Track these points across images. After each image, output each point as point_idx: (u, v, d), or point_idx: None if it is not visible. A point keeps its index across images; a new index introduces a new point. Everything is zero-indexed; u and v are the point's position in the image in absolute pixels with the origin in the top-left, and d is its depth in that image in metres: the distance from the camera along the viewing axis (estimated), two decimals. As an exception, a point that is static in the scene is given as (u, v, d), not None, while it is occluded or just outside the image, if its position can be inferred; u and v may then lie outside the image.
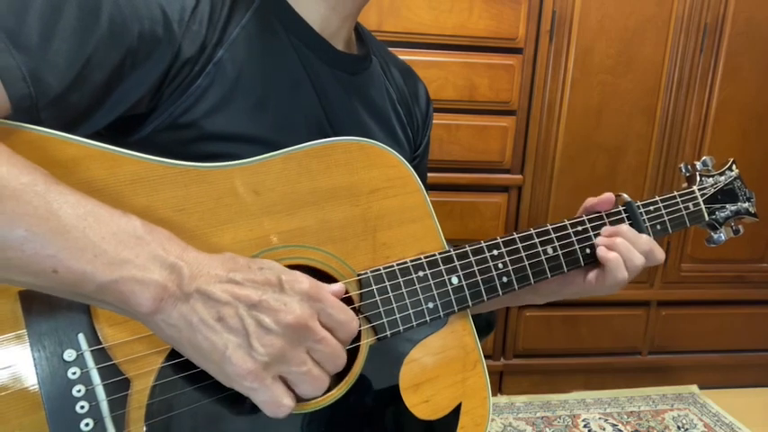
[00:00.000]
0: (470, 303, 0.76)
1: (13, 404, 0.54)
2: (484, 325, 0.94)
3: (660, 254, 0.87)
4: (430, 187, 0.97)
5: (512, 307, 2.22)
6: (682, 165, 1.01)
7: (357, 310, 0.69)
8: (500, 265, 0.79)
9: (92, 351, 0.57)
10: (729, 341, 2.48)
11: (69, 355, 0.56)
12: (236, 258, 0.58)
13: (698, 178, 0.99)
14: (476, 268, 0.77)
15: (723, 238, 1.00)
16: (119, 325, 0.58)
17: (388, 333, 0.71)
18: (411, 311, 0.72)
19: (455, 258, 0.76)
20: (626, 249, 0.84)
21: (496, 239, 0.80)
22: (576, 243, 0.85)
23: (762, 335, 2.50)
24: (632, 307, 2.37)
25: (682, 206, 0.95)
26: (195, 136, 0.69)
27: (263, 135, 0.72)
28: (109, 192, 0.58)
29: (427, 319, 0.73)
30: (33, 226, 0.49)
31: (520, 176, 2.16)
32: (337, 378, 0.68)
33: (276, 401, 0.56)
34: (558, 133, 2.15)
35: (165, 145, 0.67)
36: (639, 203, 0.91)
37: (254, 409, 0.63)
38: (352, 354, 0.69)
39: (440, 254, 0.76)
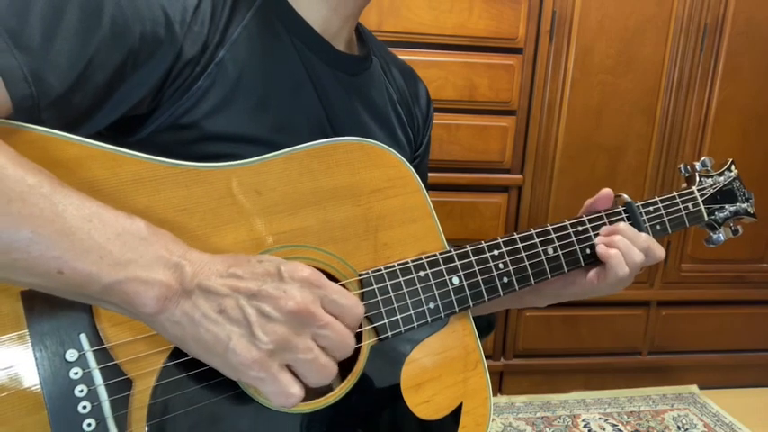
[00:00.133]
0: (471, 303, 0.76)
1: (14, 404, 0.54)
2: (484, 325, 0.94)
3: (660, 251, 0.87)
4: (430, 187, 0.97)
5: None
6: (681, 165, 1.02)
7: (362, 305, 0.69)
8: (501, 266, 0.79)
9: (94, 351, 0.57)
10: (729, 341, 2.48)
11: (71, 355, 0.56)
12: (237, 256, 0.59)
13: (697, 179, 1.00)
14: (477, 268, 0.78)
15: (722, 238, 1.01)
16: (121, 325, 0.58)
17: (390, 333, 0.71)
18: (412, 312, 0.72)
19: (456, 258, 0.76)
20: (625, 246, 0.84)
21: (497, 239, 0.80)
22: (576, 243, 0.86)
23: (762, 335, 2.50)
24: (632, 307, 2.38)
25: (681, 206, 0.95)
26: (196, 136, 0.69)
27: (264, 136, 0.72)
28: (110, 192, 0.58)
29: (428, 319, 0.73)
30: (39, 228, 0.49)
31: (520, 176, 2.16)
32: (339, 378, 0.69)
33: (284, 391, 0.56)
34: (558, 133, 2.15)
35: (165, 145, 0.67)
36: (639, 204, 0.91)
37: (256, 408, 0.64)
38: (354, 354, 0.69)
39: (441, 254, 0.76)
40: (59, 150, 0.57)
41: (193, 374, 0.61)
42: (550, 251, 0.83)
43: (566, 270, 0.85)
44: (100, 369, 0.57)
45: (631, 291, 2.30)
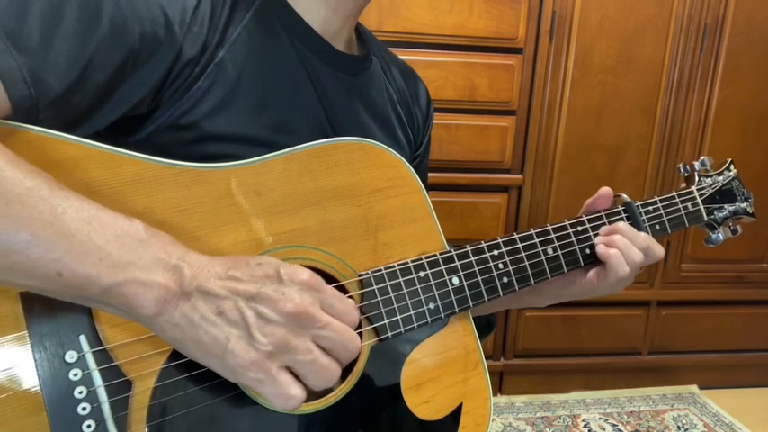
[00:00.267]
0: (471, 304, 0.76)
1: (14, 406, 0.54)
2: (484, 325, 0.94)
3: (659, 250, 0.87)
4: (430, 187, 0.97)
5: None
6: (680, 165, 1.02)
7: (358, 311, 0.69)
8: (500, 266, 0.79)
9: (93, 352, 0.56)
10: (729, 341, 2.48)
11: (71, 356, 0.56)
12: (236, 257, 0.59)
13: (696, 178, 1.00)
14: (476, 268, 0.77)
15: (721, 238, 1.01)
16: (120, 326, 0.58)
17: (390, 334, 0.71)
18: (412, 312, 0.72)
19: (456, 258, 0.76)
20: (625, 246, 0.84)
21: (497, 239, 0.80)
22: (575, 243, 0.86)
23: (762, 335, 2.50)
24: (632, 307, 2.38)
25: (680, 206, 0.95)
26: (196, 137, 0.69)
27: (263, 136, 0.72)
28: (109, 192, 0.58)
29: (428, 319, 0.73)
30: (38, 230, 0.49)
31: (520, 176, 2.16)
32: (339, 379, 0.68)
33: (283, 392, 0.56)
34: (558, 133, 2.15)
35: (165, 146, 0.67)
36: (639, 204, 0.91)
37: (255, 410, 0.64)
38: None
39: (440, 254, 0.76)
40: (58, 151, 0.56)
41: (193, 375, 0.60)
42: (550, 251, 0.83)
43: (565, 270, 0.85)
44: (99, 370, 0.57)
45: (631, 291, 2.30)
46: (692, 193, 0.97)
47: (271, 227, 0.66)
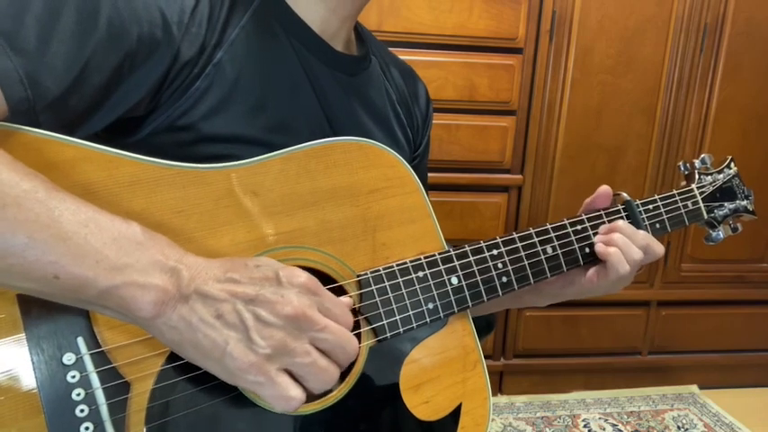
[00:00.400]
0: (470, 304, 0.76)
1: (12, 408, 0.53)
2: (484, 325, 0.94)
3: (659, 248, 0.87)
4: (430, 187, 0.97)
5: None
6: (680, 163, 1.01)
7: (357, 312, 0.69)
8: (500, 265, 0.79)
9: (91, 354, 0.56)
10: (729, 341, 2.48)
11: (68, 358, 0.55)
12: (234, 259, 0.59)
13: (696, 176, 0.99)
14: (475, 268, 0.77)
15: (722, 236, 1.00)
16: (118, 328, 0.57)
17: (389, 334, 0.71)
18: (411, 312, 0.72)
19: (454, 258, 0.76)
20: (624, 244, 0.84)
21: (496, 239, 0.80)
22: (575, 242, 0.85)
23: (762, 335, 2.50)
24: (632, 307, 2.37)
25: (681, 205, 0.95)
26: (194, 138, 0.69)
27: (261, 136, 0.72)
28: (106, 194, 0.58)
29: (427, 319, 0.73)
30: (35, 233, 0.49)
31: (520, 176, 2.16)
32: (338, 380, 0.68)
33: (283, 394, 0.56)
34: (558, 133, 2.15)
35: (163, 147, 0.67)
36: (639, 202, 0.91)
37: (254, 411, 0.63)
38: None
39: (439, 254, 0.75)
40: (55, 152, 0.56)
41: (192, 377, 0.60)
42: (549, 250, 0.83)
43: (565, 269, 0.85)
44: (97, 372, 0.56)
45: (631, 291, 2.30)
46: (692, 191, 0.97)
47: (269, 227, 0.66)
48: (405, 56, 1.09)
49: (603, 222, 0.88)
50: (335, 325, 0.58)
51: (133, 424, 0.58)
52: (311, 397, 0.63)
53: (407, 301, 0.72)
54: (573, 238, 0.85)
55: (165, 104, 0.67)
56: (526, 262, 0.81)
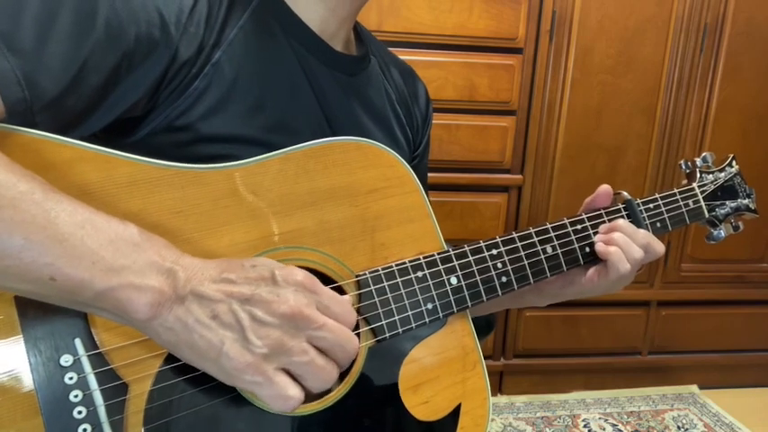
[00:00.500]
0: (469, 304, 0.76)
1: (10, 410, 0.53)
2: (483, 325, 0.93)
3: (660, 247, 0.87)
4: (430, 187, 0.97)
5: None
6: (682, 161, 1.01)
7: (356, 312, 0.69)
8: (499, 265, 0.79)
9: (89, 356, 0.56)
10: (729, 341, 2.48)
11: (66, 360, 0.55)
12: (230, 260, 0.58)
13: (698, 175, 0.99)
14: (474, 268, 0.77)
15: (723, 234, 1.00)
16: (116, 329, 0.57)
17: (388, 335, 0.71)
18: (410, 313, 0.72)
19: (454, 258, 0.76)
20: (625, 243, 0.84)
21: (495, 239, 0.79)
22: (575, 242, 0.85)
23: (762, 335, 2.50)
24: (632, 307, 2.37)
25: (681, 203, 0.94)
26: (192, 138, 0.69)
27: (260, 136, 0.72)
28: (104, 194, 0.58)
29: (426, 320, 0.73)
30: (31, 234, 0.49)
31: (520, 176, 2.16)
32: (337, 380, 0.68)
33: (281, 394, 0.56)
34: (558, 133, 2.15)
35: (161, 147, 0.67)
36: (639, 201, 0.90)
37: (252, 412, 0.63)
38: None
39: (438, 254, 0.75)
40: (53, 153, 0.56)
41: (190, 378, 0.60)
42: (549, 250, 0.83)
43: (565, 269, 0.84)
44: (95, 374, 0.56)
45: (631, 291, 2.30)
46: (693, 189, 0.97)
47: (268, 228, 0.66)
48: (405, 56, 1.09)
49: (604, 221, 0.88)
50: (334, 323, 0.58)
51: (131, 425, 0.58)
52: (310, 397, 0.63)
53: (406, 302, 0.72)
54: (573, 237, 0.85)
55: (163, 105, 0.67)
56: (526, 262, 0.81)
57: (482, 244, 0.78)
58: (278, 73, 0.76)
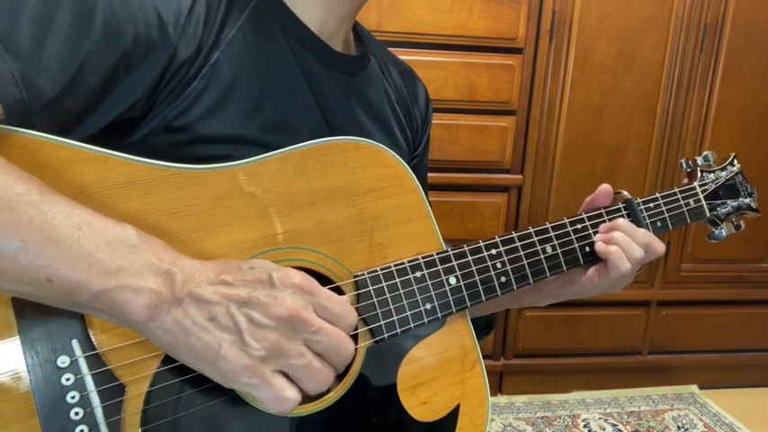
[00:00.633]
0: (468, 304, 0.76)
1: (7, 411, 0.53)
2: (483, 325, 0.93)
3: (660, 246, 0.86)
4: (430, 187, 0.97)
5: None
6: (683, 160, 1.00)
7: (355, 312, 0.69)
8: (498, 265, 0.78)
9: (86, 357, 0.56)
10: (729, 341, 2.48)
11: (63, 361, 0.55)
12: (228, 262, 0.58)
13: (699, 174, 0.98)
14: (474, 268, 0.77)
15: (724, 233, 0.99)
16: (113, 330, 0.57)
17: (386, 335, 0.70)
18: (409, 313, 0.72)
19: (453, 258, 0.76)
20: (625, 242, 0.83)
21: (495, 239, 0.79)
22: (575, 241, 0.85)
23: (762, 335, 2.50)
24: (632, 307, 2.37)
25: (682, 202, 0.94)
26: (190, 138, 0.69)
27: (259, 137, 0.72)
28: (101, 195, 0.58)
29: (425, 320, 0.73)
30: (28, 236, 0.49)
31: (520, 176, 2.16)
32: (336, 380, 0.68)
33: (278, 396, 0.56)
34: (558, 133, 2.15)
35: (159, 148, 0.67)
36: (639, 200, 0.90)
37: (250, 413, 0.63)
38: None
39: (437, 254, 0.75)
40: (50, 154, 0.56)
41: (187, 379, 0.60)
42: (549, 250, 0.83)
43: (564, 269, 0.84)
44: (92, 375, 0.56)
45: (631, 291, 2.30)
46: (693, 188, 0.96)
47: (266, 228, 0.66)
48: (405, 56, 1.09)
49: (604, 221, 0.87)
50: (330, 327, 0.58)
51: (128, 426, 0.58)
52: (308, 398, 0.62)
53: (405, 302, 0.72)
54: (573, 237, 0.85)
55: (162, 105, 0.67)
56: (525, 261, 0.80)
57: (481, 244, 0.78)
58: (277, 73, 0.75)
